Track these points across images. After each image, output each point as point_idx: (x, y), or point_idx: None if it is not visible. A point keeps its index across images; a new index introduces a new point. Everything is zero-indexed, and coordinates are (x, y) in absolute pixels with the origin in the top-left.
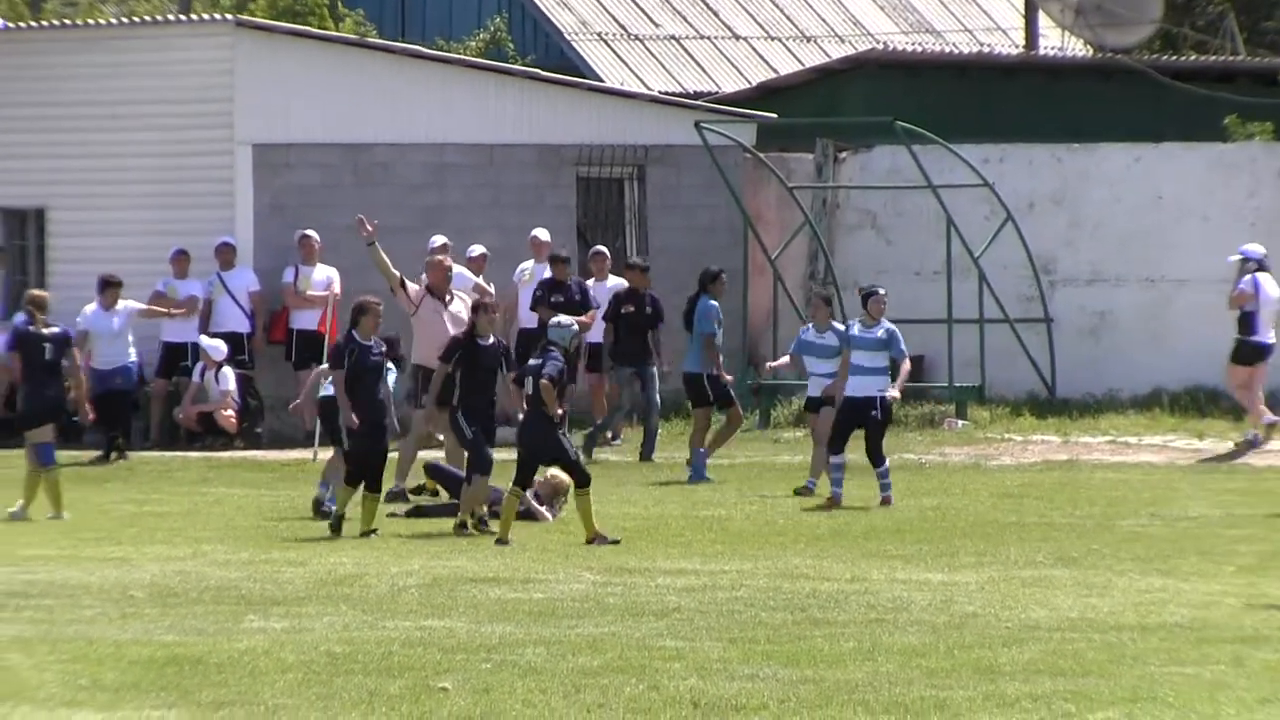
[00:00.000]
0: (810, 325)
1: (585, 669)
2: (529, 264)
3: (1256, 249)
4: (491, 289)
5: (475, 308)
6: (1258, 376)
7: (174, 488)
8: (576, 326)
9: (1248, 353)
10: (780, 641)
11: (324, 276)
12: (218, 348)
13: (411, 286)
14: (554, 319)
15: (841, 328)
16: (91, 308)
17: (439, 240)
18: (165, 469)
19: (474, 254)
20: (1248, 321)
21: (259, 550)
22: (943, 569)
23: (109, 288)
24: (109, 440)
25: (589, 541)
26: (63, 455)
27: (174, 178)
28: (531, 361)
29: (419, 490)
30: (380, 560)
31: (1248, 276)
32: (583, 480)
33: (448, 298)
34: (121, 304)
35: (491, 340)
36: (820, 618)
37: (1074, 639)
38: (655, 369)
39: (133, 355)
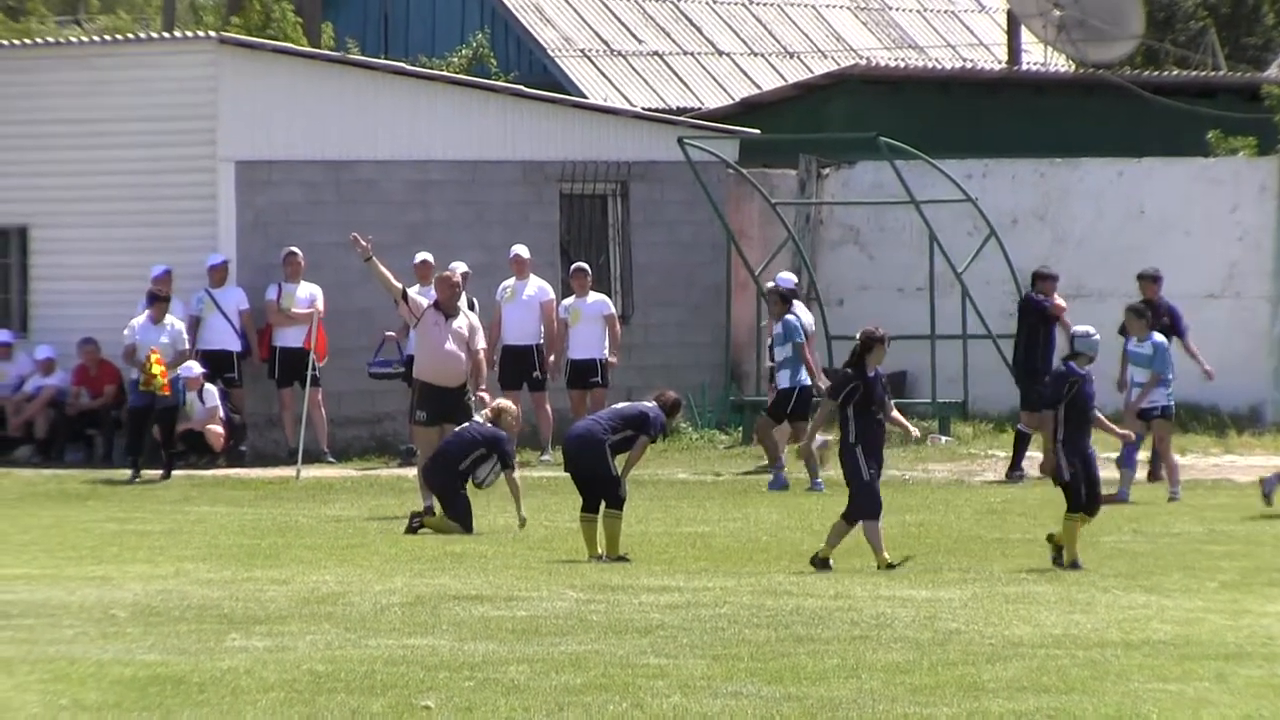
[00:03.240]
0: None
1: (568, 687)
2: (511, 281)
3: (789, 278)
4: (477, 306)
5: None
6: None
7: (156, 506)
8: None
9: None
10: (764, 659)
11: (308, 294)
12: (190, 368)
13: (415, 299)
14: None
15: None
16: (140, 320)
17: (421, 257)
18: (147, 487)
19: (418, 262)
20: None
21: (241, 569)
22: (926, 585)
23: (157, 301)
24: (165, 457)
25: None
26: (45, 474)
27: (157, 195)
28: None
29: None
30: (363, 578)
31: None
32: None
33: (454, 312)
34: (169, 319)
35: (875, 373)
36: (804, 635)
37: (1058, 656)
38: None
39: (193, 367)
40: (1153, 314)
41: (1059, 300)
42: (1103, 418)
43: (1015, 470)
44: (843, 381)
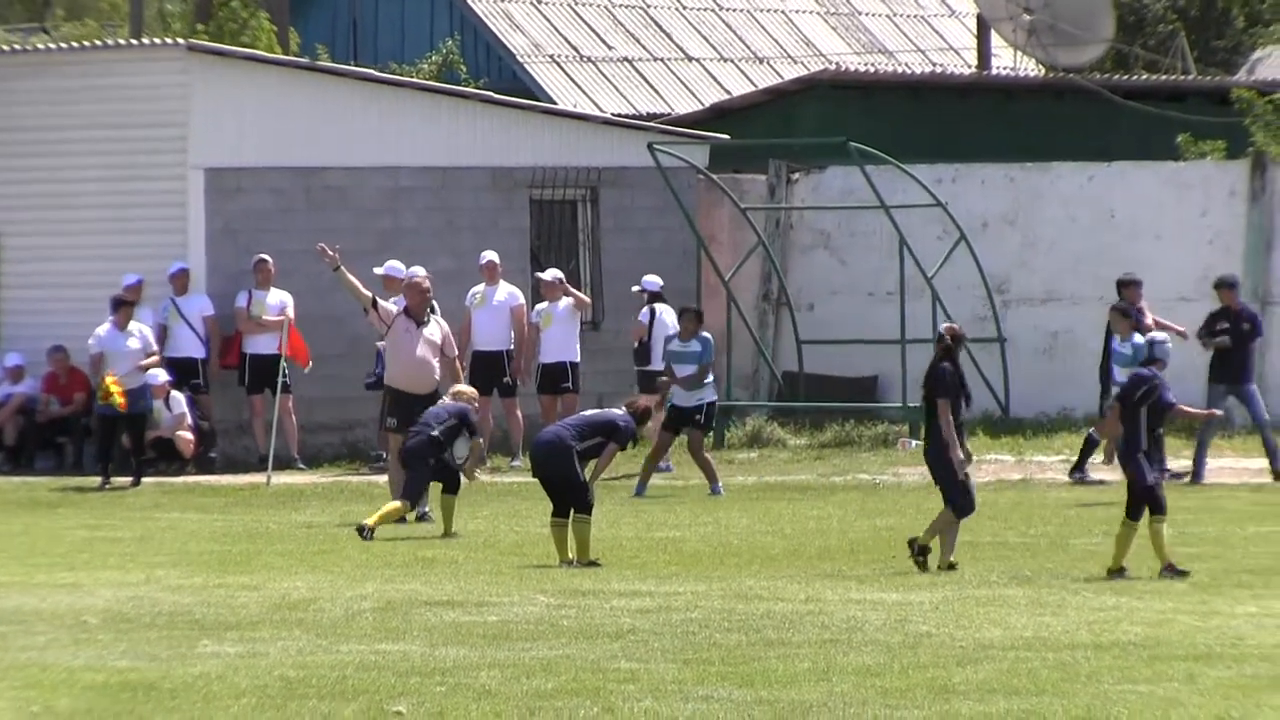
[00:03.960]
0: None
1: (540, 691)
2: (480, 287)
3: (654, 280)
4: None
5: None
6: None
7: (127, 513)
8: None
9: (647, 383)
10: (735, 663)
11: (278, 300)
12: (156, 375)
13: (385, 306)
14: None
15: (709, 337)
16: (105, 329)
17: (382, 270)
18: (118, 494)
19: (382, 272)
20: (643, 353)
21: (213, 575)
22: (897, 589)
23: (122, 306)
24: (135, 464)
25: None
26: (15, 482)
27: (126, 202)
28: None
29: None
30: (334, 584)
31: (645, 309)
32: None
33: (425, 319)
34: (134, 325)
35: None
36: (775, 639)
37: (1028, 658)
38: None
39: (156, 375)
40: (1233, 320)
41: (1144, 305)
42: (1185, 407)
43: (1077, 471)
44: (953, 384)
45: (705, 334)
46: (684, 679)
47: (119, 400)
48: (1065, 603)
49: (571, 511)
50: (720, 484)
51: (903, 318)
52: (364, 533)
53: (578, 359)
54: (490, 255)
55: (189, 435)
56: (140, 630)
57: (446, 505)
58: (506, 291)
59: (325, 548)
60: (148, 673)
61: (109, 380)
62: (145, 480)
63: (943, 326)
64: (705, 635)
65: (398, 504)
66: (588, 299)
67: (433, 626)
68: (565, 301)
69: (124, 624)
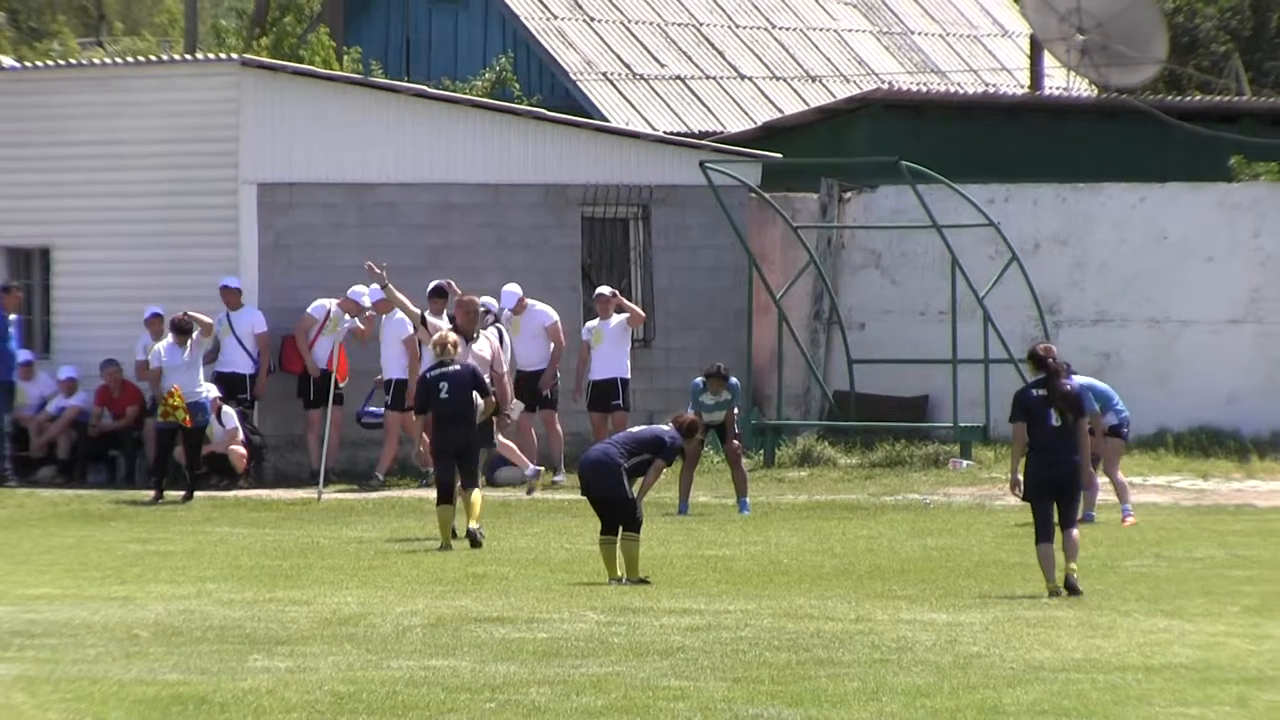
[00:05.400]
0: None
1: (589, 709)
2: (508, 314)
3: (515, 290)
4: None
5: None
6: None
7: (178, 527)
8: None
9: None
10: (784, 681)
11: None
12: (210, 391)
13: (434, 322)
14: None
15: (734, 380)
16: (164, 344)
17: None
18: (169, 508)
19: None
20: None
21: (263, 589)
22: (947, 609)
23: (180, 333)
24: (188, 478)
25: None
26: (68, 495)
27: (178, 217)
28: None
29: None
30: (385, 599)
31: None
32: None
33: (474, 336)
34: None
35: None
36: (824, 658)
37: (1078, 680)
38: None
39: (208, 391)
40: None
41: None
42: None
43: None
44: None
45: (734, 381)
46: (733, 697)
47: (183, 416)
48: (1116, 625)
49: (620, 529)
50: (748, 501)
51: (954, 338)
52: (475, 538)
53: (628, 376)
54: (513, 288)
55: (241, 450)
56: (191, 644)
57: (468, 500)
58: (536, 314)
59: (376, 563)
60: (198, 686)
61: (175, 395)
62: (197, 494)
63: (1041, 347)
64: (755, 654)
65: (476, 495)
66: (643, 313)
67: (483, 643)
68: (617, 318)
69: (175, 637)
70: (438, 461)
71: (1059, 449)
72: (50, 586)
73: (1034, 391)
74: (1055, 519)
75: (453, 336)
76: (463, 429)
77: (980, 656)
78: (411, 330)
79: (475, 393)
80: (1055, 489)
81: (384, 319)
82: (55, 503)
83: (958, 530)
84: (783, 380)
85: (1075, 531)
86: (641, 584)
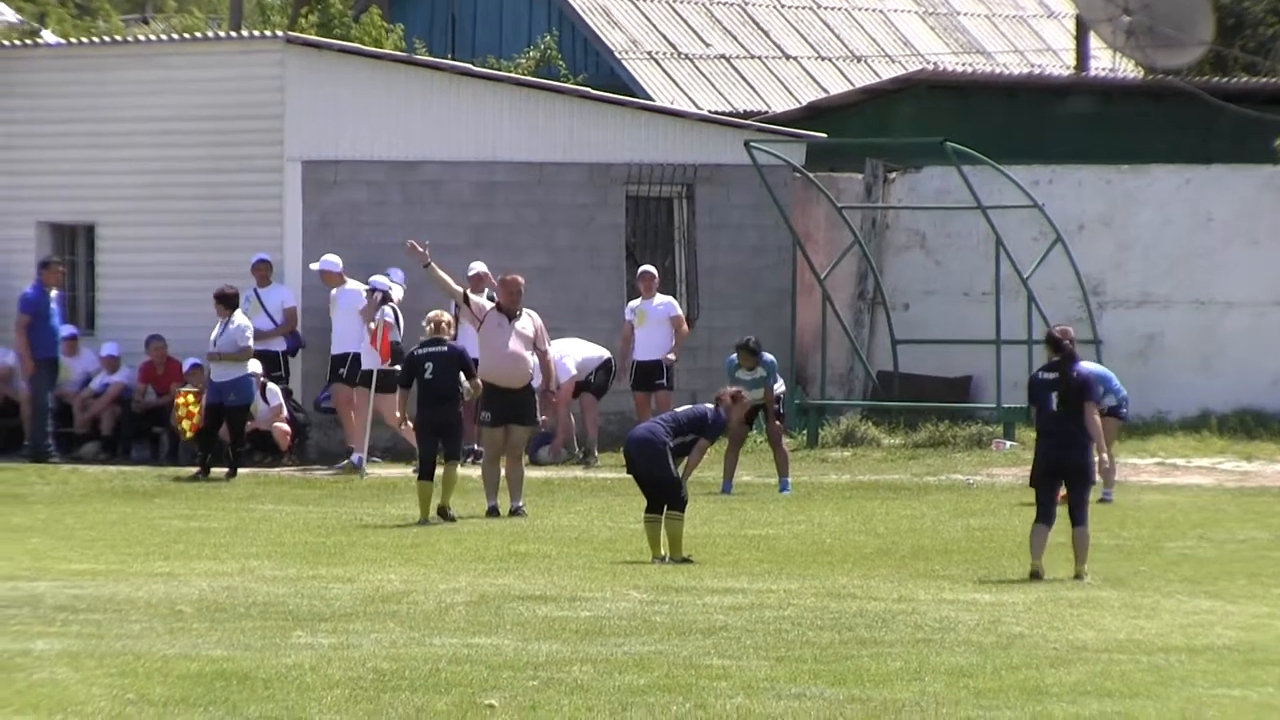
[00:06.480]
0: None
1: (632, 687)
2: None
3: (382, 281)
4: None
5: None
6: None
7: (222, 503)
8: None
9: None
10: (827, 661)
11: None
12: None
13: (478, 300)
14: None
15: (770, 357)
16: (217, 326)
17: (475, 269)
18: (213, 485)
19: (473, 272)
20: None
21: (306, 567)
22: (990, 589)
23: (224, 299)
24: (232, 455)
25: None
26: (111, 471)
27: (223, 194)
28: None
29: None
30: (427, 577)
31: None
32: None
33: (517, 313)
34: (237, 316)
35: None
36: (867, 637)
37: (1121, 660)
38: None
39: (252, 367)
40: None
41: None
42: None
43: None
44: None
45: (768, 357)
46: (776, 676)
47: (187, 426)
48: (1159, 606)
49: (665, 508)
50: (789, 480)
51: (998, 319)
52: (445, 513)
53: (673, 356)
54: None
55: (285, 427)
56: (234, 620)
57: (446, 474)
58: (662, 305)
59: (418, 540)
60: (242, 662)
61: (188, 400)
62: (240, 471)
63: (1058, 329)
64: (798, 633)
65: (454, 472)
66: (686, 330)
67: (525, 621)
68: (660, 299)
69: (218, 614)
70: (421, 438)
71: (1063, 434)
72: (94, 562)
73: (1042, 374)
74: (1060, 504)
75: (446, 316)
76: (446, 409)
77: (1023, 637)
78: (366, 303)
79: (461, 374)
80: (1059, 475)
81: (334, 292)
82: (99, 479)
83: (1000, 511)
84: (826, 360)
85: (1086, 529)
86: (685, 563)
